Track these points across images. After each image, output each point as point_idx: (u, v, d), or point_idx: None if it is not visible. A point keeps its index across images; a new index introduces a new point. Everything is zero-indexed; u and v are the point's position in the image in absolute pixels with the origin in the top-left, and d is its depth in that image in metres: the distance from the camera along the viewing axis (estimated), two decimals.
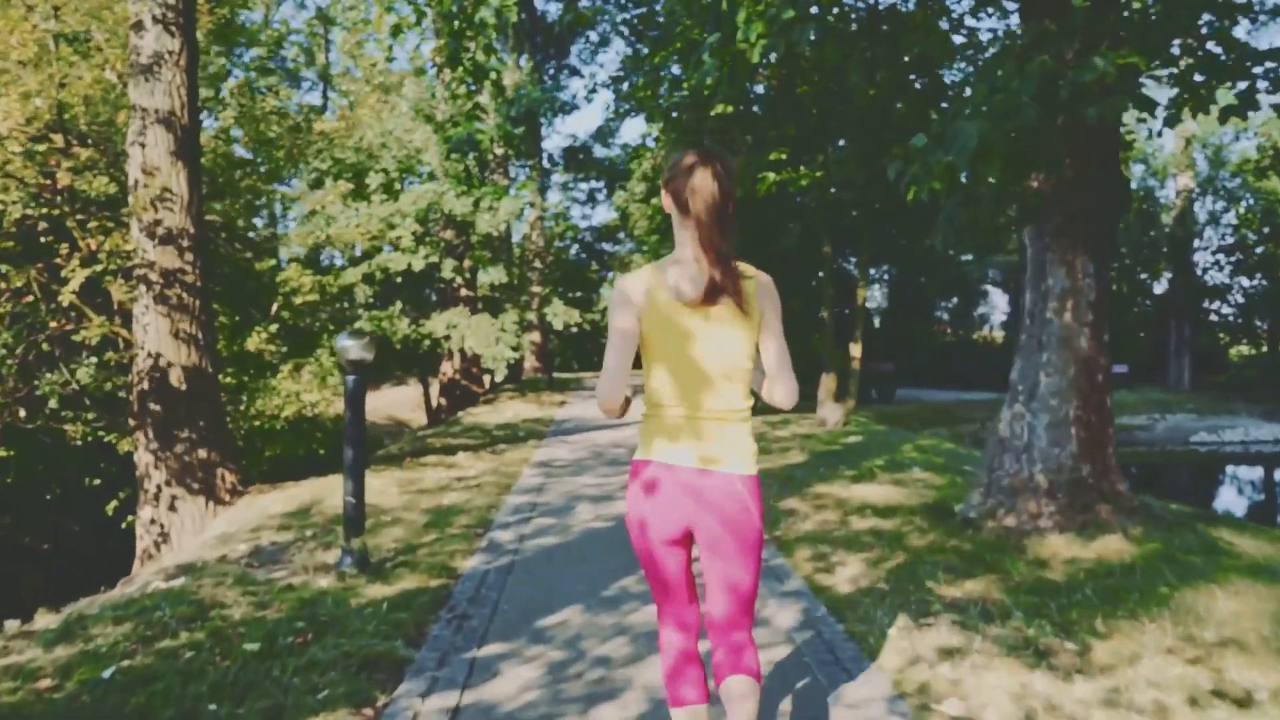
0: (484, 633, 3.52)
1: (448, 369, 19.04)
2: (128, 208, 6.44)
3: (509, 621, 3.66)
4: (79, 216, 6.77)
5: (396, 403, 31.80)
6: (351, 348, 4.41)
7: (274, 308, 7.57)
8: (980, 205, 4.72)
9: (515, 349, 15.27)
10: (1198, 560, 4.32)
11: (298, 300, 7.64)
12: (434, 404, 19.95)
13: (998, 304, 51.35)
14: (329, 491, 6.54)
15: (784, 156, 10.16)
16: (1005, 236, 30.42)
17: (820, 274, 19.22)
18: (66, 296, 6.56)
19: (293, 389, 6.95)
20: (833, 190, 12.61)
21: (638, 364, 2.05)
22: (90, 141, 6.94)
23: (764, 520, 2.25)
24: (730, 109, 9.71)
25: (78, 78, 7.00)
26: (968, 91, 4.55)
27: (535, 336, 30.87)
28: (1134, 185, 32.07)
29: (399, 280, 16.03)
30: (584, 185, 37.82)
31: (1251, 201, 28.85)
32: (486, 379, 24.10)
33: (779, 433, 11.12)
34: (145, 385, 6.45)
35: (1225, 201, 29.82)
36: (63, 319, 6.65)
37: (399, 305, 16.27)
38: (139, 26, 6.61)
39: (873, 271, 32.97)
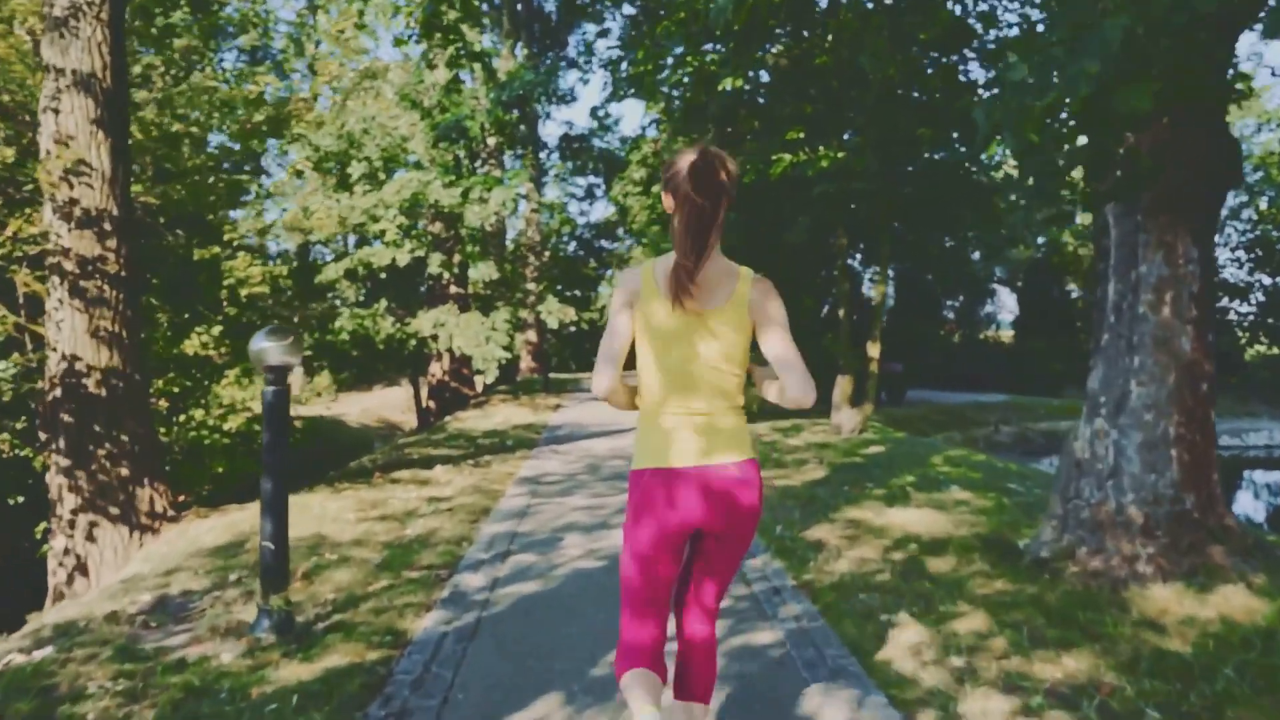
0: None
1: (437, 370, 18.09)
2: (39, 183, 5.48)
3: None
4: None
5: (388, 404, 30.87)
6: (270, 350, 3.43)
7: (222, 302, 6.63)
8: (1061, 170, 3.74)
9: (507, 349, 14.31)
10: None
11: (244, 292, 6.68)
12: (424, 406, 19.01)
13: (1005, 303, 50.52)
14: None
15: (801, 135, 9.19)
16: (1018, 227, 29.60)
17: (832, 270, 18.27)
18: None
19: (239, 396, 5.98)
20: (852, 181, 11.69)
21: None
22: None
23: (761, 511, 2.11)
24: (739, 82, 8.74)
25: None
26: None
27: (532, 336, 29.94)
28: None
29: (383, 276, 15.07)
30: (581, 180, 36.95)
31: (1274, 196, 27.86)
32: (479, 381, 23.17)
33: (791, 441, 10.16)
34: (59, 392, 5.49)
35: (1245, 196, 28.80)
36: None
37: (383, 303, 15.34)
38: None
39: (877, 269, 32.11)
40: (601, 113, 17.70)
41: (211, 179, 6.90)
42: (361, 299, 16.67)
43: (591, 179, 36.42)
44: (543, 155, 23.23)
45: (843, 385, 11.27)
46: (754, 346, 2.05)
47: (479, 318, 14.62)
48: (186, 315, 6.86)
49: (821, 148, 9.22)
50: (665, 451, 1.97)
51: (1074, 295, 32.66)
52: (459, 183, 14.53)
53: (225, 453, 6.01)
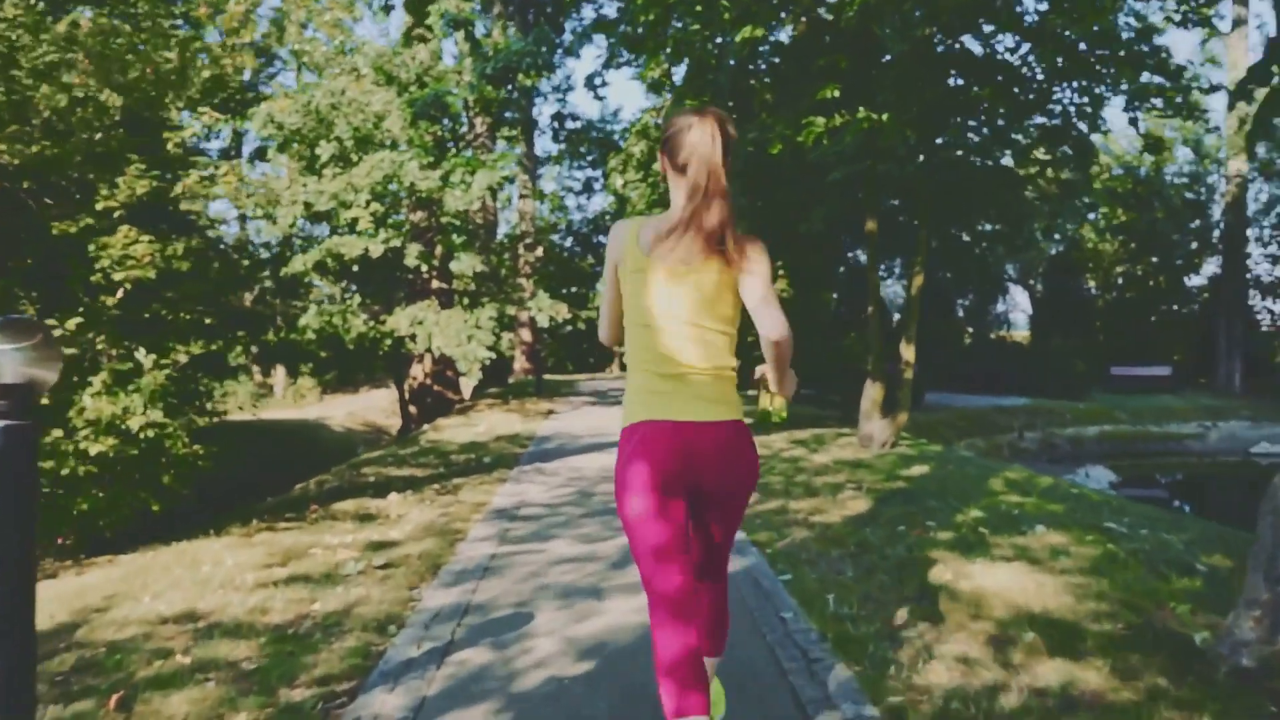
0: None
1: (418, 372, 16.62)
2: None
3: None
4: None
5: (374, 407, 29.38)
6: (3, 359, 1.97)
7: (100, 286, 5.18)
8: None
9: (492, 349, 12.85)
10: None
11: (119, 276, 5.22)
12: (406, 411, 17.54)
13: (1018, 301, 49.04)
14: (142, 577, 4.13)
15: (836, 93, 7.74)
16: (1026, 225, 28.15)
17: (847, 264, 16.83)
18: None
19: (109, 411, 4.54)
20: (879, 162, 10.28)
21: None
22: None
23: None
24: (759, 31, 7.29)
25: None
26: None
27: (526, 335, 28.48)
28: (1177, 170, 29.70)
29: (355, 269, 13.61)
30: (579, 173, 35.50)
31: None
32: (465, 384, 21.72)
33: (817, 458, 8.71)
34: None
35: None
36: None
37: (357, 299, 13.89)
38: None
39: (886, 266, 30.57)
40: (598, 81, 16.21)
41: (98, 135, 5.44)
42: (348, 295, 15.18)
43: (590, 172, 35.06)
44: (537, 143, 21.77)
45: (872, 392, 9.82)
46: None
47: (462, 315, 13.16)
48: (82, 308, 5.39)
49: (861, 108, 7.75)
50: (655, 407, 1.94)
51: (1094, 293, 31.22)
52: (440, 164, 13.08)
53: (95, 483, 4.57)
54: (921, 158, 9.93)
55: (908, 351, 9.79)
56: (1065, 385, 24.35)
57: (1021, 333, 45.36)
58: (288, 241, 13.85)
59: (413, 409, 16.67)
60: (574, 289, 32.94)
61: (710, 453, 1.93)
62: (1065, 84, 9.60)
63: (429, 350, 12.87)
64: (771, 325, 1.90)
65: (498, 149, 19.17)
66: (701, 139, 1.89)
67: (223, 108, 13.76)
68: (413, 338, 13.04)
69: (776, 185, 12.65)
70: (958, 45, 9.59)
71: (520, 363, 30.07)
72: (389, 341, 13.41)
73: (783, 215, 13.40)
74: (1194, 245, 28.43)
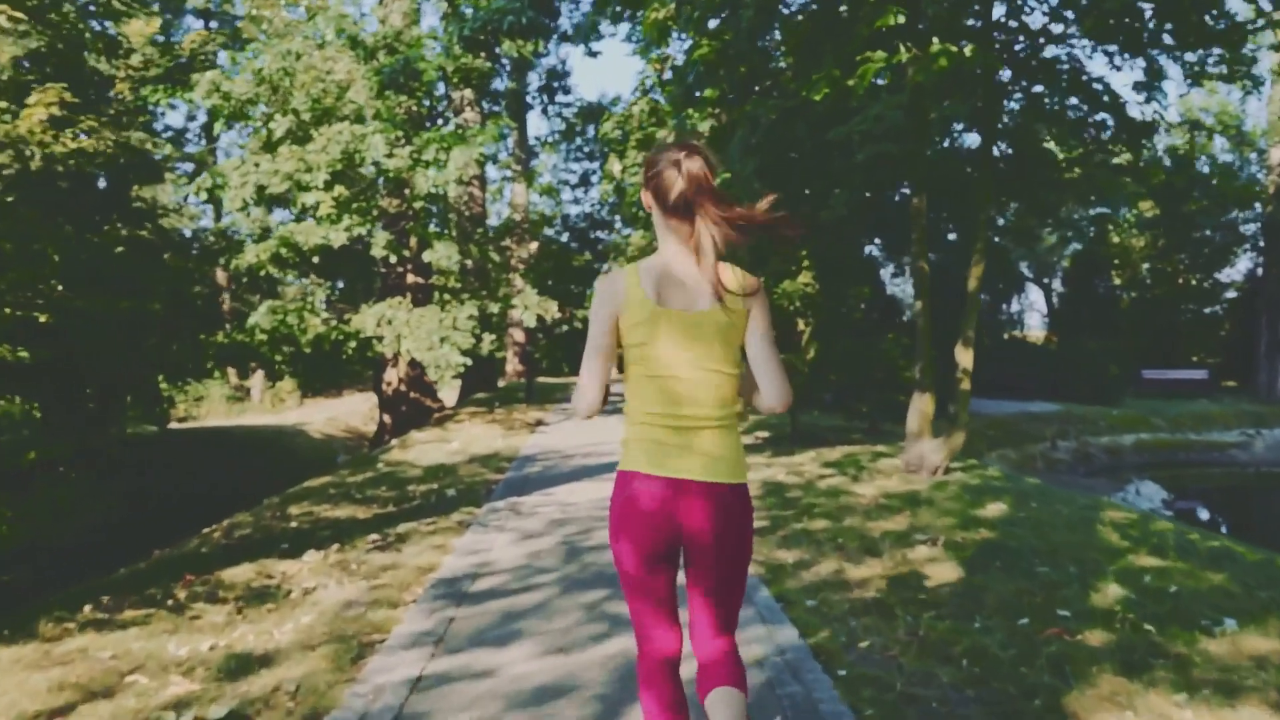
0: None
1: (392, 377, 14.92)
2: None
3: None
4: None
5: (357, 412, 27.58)
6: None
7: None
8: None
9: (470, 353, 11.17)
10: None
11: None
12: (380, 421, 15.83)
13: (1032, 300, 47.34)
14: None
15: (901, 18, 6.03)
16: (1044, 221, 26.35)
17: (869, 256, 15.21)
18: None
19: None
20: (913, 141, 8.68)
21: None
22: None
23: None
24: None
25: None
26: None
27: (518, 336, 26.79)
28: (1215, 159, 27.96)
29: (316, 260, 11.92)
30: (576, 165, 33.80)
31: None
32: (449, 391, 20.10)
33: (862, 490, 7.02)
34: None
35: None
36: None
37: (320, 294, 12.21)
38: None
39: (892, 259, 28.66)
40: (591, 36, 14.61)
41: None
42: (308, 291, 13.51)
43: (587, 164, 33.37)
44: (531, 127, 20.07)
45: (922, 406, 8.14)
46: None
47: (437, 314, 11.47)
48: None
49: (936, 39, 6.07)
50: (652, 459, 1.89)
51: (1120, 292, 29.50)
52: (413, 140, 11.41)
53: None
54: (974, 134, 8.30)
55: (964, 357, 8.11)
56: (1096, 390, 22.67)
57: (1035, 333, 43.74)
58: (221, 233, 12.14)
59: (387, 418, 14.98)
60: (572, 287, 31.30)
61: (700, 514, 1.87)
62: (1125, 54, 8.06)
63: (398, 354, 11.18)
64: (780, 394, 1.94)
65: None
66: (692, 176, 1.84)
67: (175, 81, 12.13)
68: (379, 338, 11.34)
69: (789, 169, 11.00)
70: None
71: (512, 365, 28.39)
72: (353, 344, 11.72)
73: (800, 200, 11.73)
74: (1229, 240, 26.72)
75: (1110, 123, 8.59)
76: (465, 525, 5.79)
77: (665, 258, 1.92)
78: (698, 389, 1.90)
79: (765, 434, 11.46)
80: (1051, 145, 9.61)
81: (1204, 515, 14.35)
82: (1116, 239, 28.42)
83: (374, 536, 5.39)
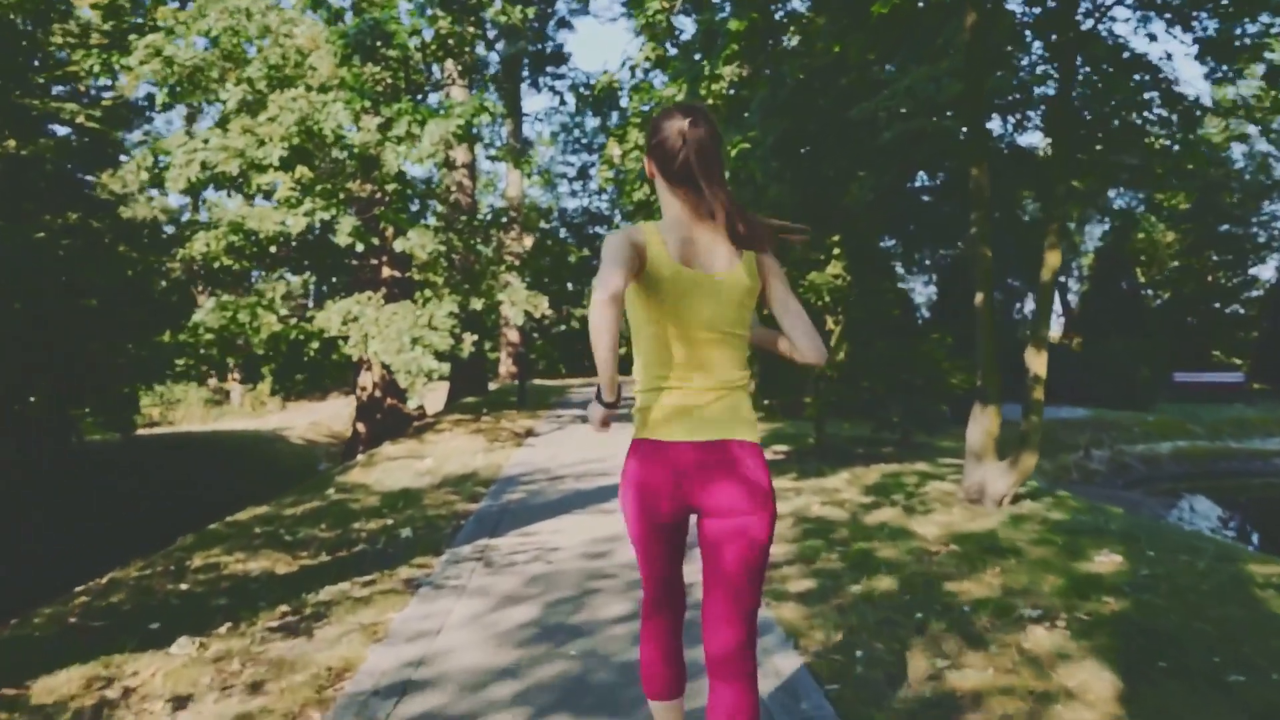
0: None
1: (367, 381, 13.49)
2: None
3: None
4: None
5: (341, 415, 26.03)
6: None
7: None
8: None
9: (447, 355, 9.76)
10: None
11: None
12: (354, 430, 14.37)
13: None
14: None
15: None
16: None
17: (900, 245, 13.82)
18: None
19: None
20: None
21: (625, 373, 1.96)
22: None
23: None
24: None
25: None
26: None
27: (513, 335, 25.35)
28: (1244, 150, 26.52)
29: (274, 250, 10.49)
30: (573, 158, 32.38)
31: None
32: (433, 396, 18.65)
33: (923, 528, 5.60)
34: None
35: None
36: None
37: (280, 288, 10.84)
38: None
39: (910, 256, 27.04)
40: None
41: None
42: (257, 283, 12.10)
43: (585, 156, 31.95)
44: (528, 129, 18.65)
45: (986, 422, 6.74)
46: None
47: (412, 311, 10.05)
48: None
49: None
50: (666, 423, 1.87)
51: (1145, 290, 28.07)
52: (380, 111, 9.99)
53: None
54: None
55: (1037, 361, 6.69)
56: (1127, 394, 21.24)
57: (1051, 334, 42.31)
58: (176, 221, 10.71)
59: (361, 427, 13.55)
60: (569, 285, 29.83)
61: (715, 474, 1.84)
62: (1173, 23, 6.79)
63: (364, 356, 9.75)
64: (818, 348, 1.90)
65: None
66: (699, 140, 1.80)
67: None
68: (344, 338, 9.92)
69: (819, 141, 9.63)
70: None
71: (505, 366, 26.95)
72: (315, 345, 10.29)
73: (821, 185, 10.32)
74: (1264, 236, 25.28)
75: (1157, 101, 7.31)
76: (414, 586, 4.37)
77: (671, 224, 1.87)
78: (714, 352, 1.87)
79: (785, 447, 10.04)
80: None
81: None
82: (1143, 234, 27.00)
83: (284, 608, 3.96)
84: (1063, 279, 40.19)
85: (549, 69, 17.97)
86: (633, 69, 11.95)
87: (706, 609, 1.91)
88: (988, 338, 6.95)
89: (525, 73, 18.07)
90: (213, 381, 27.19)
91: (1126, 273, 26.41)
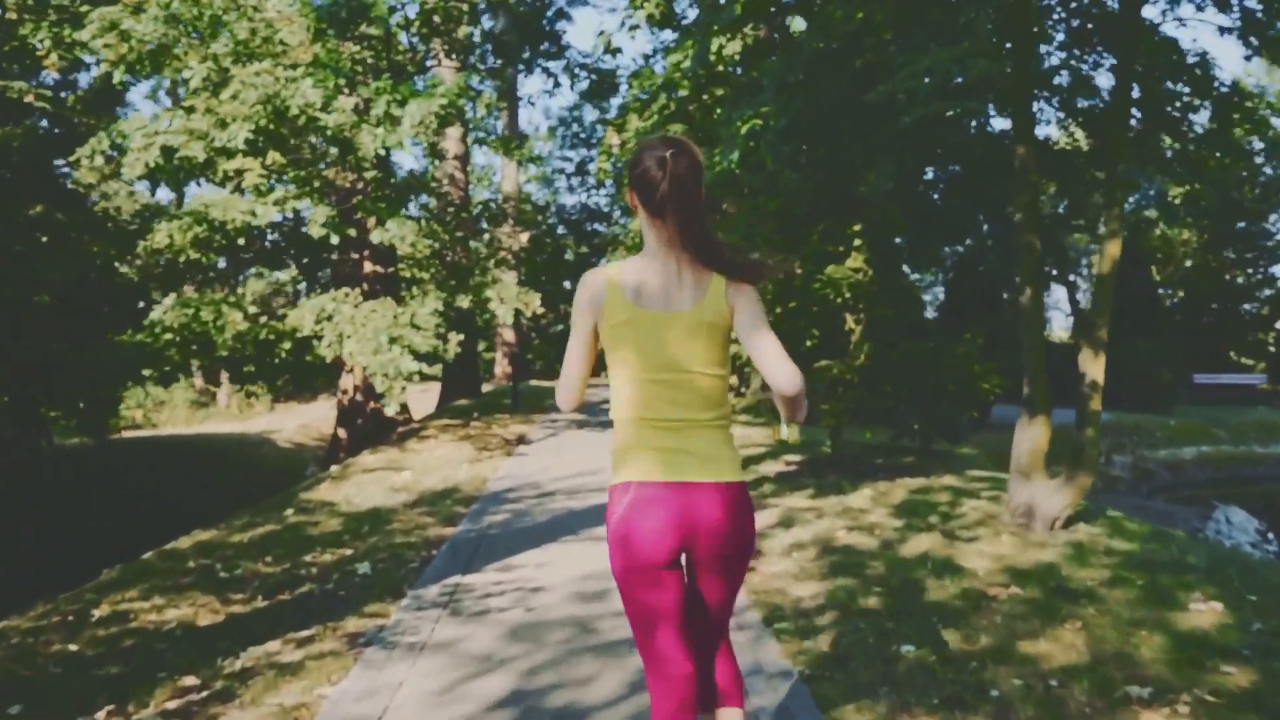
0: None
1: (348, 384, 12.65)
2: None
3: None
4: None
5: (330, 418, 25.27)
6: None
7: None
8: None
9: (428, 357, 8.94)
10: None
11: None
12: (336, 437, 13.52)
13: (1055, 298, 45.01)
14: None
15: None
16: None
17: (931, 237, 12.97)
18: None
19: None
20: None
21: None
22: None
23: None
24: None
25: None
26: None
27: (509, 335, 24.52)
28: (1260, 147, 25.65)
29: (242, 242, 9.66)
30: (571, 153, 31.56)
31: None
32: (421, 400, 17.92)
33: (965, 558, 4.78)
34: None
35: None
36: None
37: (251, 285, 10.02)
38: None
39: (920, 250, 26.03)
40: None
41: None
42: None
43: (584, 151, 31.13)
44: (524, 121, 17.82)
45: (1035, 434, 5.95)
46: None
47: (391, 308, 9.23)
48: None
49: None
50: (644, 464, 1.83)
51: (1160, 289, 27.22)
52: (358, 90, 9.16)
53: None
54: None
55: (1095, 366, 5.88)
56: (1147, 396, 20.43)
57: (1058, 333, 41.48)
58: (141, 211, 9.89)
59: (342, 433, 12.71)
60: (565, 283, 29.01)
61: (700, 515, 1.81)
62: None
63: (340, 357, 8.92)
64: (787, 380, 1.76)
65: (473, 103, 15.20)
66: (678, 172, 1.78)
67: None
68: (318, 337, 9.09)
69: (837, 125, 8.83)
70: None
71: (501, 367, 26.10)
72: (287, 345, 9.46)
73: (837, 171, 9.50)
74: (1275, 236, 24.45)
75: (1186, 90, 6.56)
76: (360, 644, 3.54)
77: (648, 256, 1.87)
78: (680, 391, 1.84)
79: (797, 457, 9.21)
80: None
81: None
82: (1159, 232, 26.18)
83: (189, 680, 3.13)
84: (1071, 278, 39.46)
85: (545, 46, 17.07)
86: (633, 28, 11.05)
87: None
88: (1036, 338, 6.14)
89: (523, 53, 17.18)
90: (199, 383, 26.37)
91: (1142, 271, 25.58)
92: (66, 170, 13.61)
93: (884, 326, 7.81)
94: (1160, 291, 27.32)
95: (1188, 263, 27.33)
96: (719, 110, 9.63)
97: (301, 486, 7.95)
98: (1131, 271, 25.85)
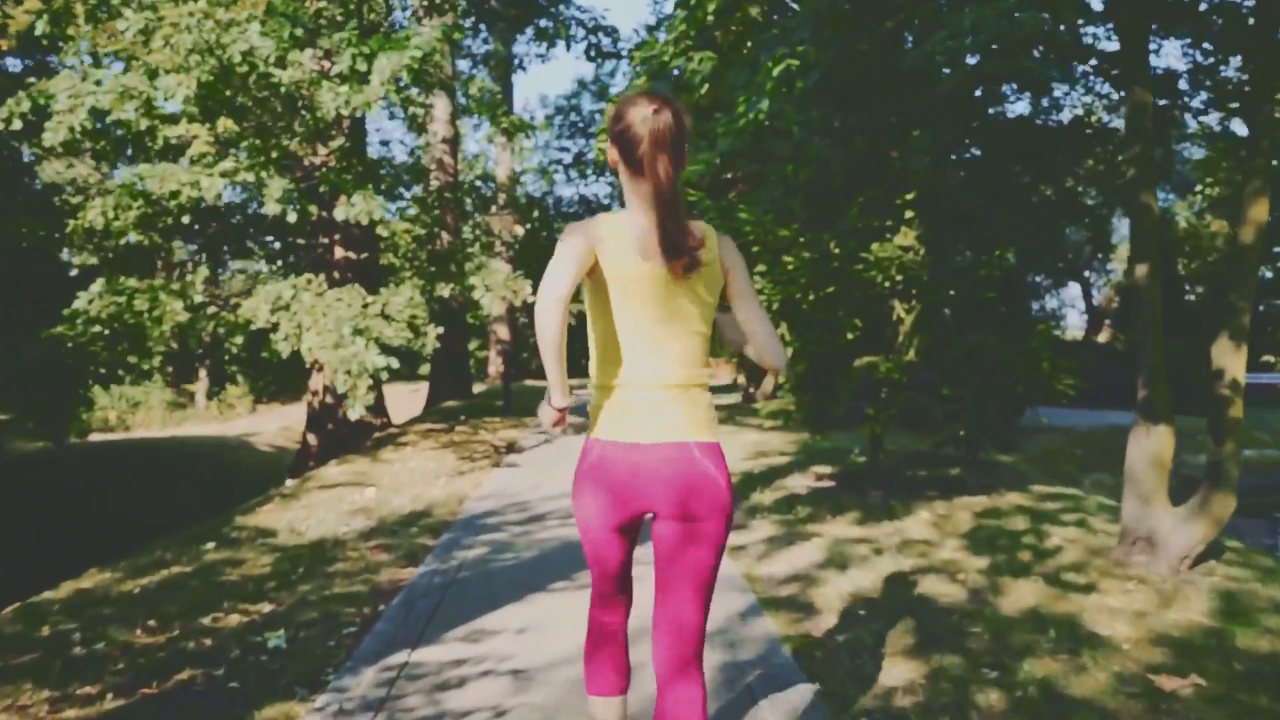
0: None
1: (317, 384, 11.37)
2: None
3: None
4: None
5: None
6: None
7: None
8: None
9: (393, 350, 7.67)
10: None
11: None
12: (305, 443, 12.22)
13: (1067, 296, 43.74)
14: None
15: None
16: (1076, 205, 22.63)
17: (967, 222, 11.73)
18: None
19: None
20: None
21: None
22: None
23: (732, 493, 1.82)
24: None
25: None
26: None
27: (503, 332, 23.23)
28: None
29: (186, 220, 8.39)
30: (568, 142, 30.31)
31: None
32: (407, 400, 16.68)
33: (1099, 622, 3.50)
34: None
35: None
36: None
37: (203, 272, 8.76)
38: None
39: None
40: None
41: None
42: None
43: (581, 142, 29.88)
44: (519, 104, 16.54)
45: (1154, 446, 4.72)
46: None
47: (359, 296, 7.96)
48: None
49: None
50: (620, 423, 1.80)
51: (1185, 284, 25.97)
52: (320, 40, 7.90)
53: None
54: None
55: (1234, 360, 4.63)
56: (1183, 399, 19.13)
57: (1074, 331, 40.24)
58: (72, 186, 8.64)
59: (312, 439, 11.43)
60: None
61: (670, 474, 1.76)
62: None
63: (296, 351, 7.63)
64: (777, 356, 1.87)
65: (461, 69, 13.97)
66: (661, 128, 1.73)
67: None
68: (273, 328, 7.81)
69: (871, 92, 7.63)
70: None
71: (495, 366, 24.81)
72: (239, 339, 8.18)
73: (875, 138, 8.23)
74: None
75: None
76: None
77: (633, 211, 1.80)
78: (670, 350, 1.81)
79: (828, 469, 7.94)
80: None
81: None
82: (1185, 224, 24.93)
83: None
84: (1087, 274, 38.17)
85: (542, 2, 15.79)
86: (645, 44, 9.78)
87: (658, 615, 1.87)
88: (1156, 328, 4.90)
89: (513, 9, 15.90)
90: (158, 381, 25.04)
91: (1168, 265, 24.33)
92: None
93: (945, 314, 6.56)
94: (1186, 286, 26.10)
95: (1211, 256, 26.09)
96: (749, 44, 8.39)
97: (242, 508, 6.65)
98: (1161, 265, 24.64)
